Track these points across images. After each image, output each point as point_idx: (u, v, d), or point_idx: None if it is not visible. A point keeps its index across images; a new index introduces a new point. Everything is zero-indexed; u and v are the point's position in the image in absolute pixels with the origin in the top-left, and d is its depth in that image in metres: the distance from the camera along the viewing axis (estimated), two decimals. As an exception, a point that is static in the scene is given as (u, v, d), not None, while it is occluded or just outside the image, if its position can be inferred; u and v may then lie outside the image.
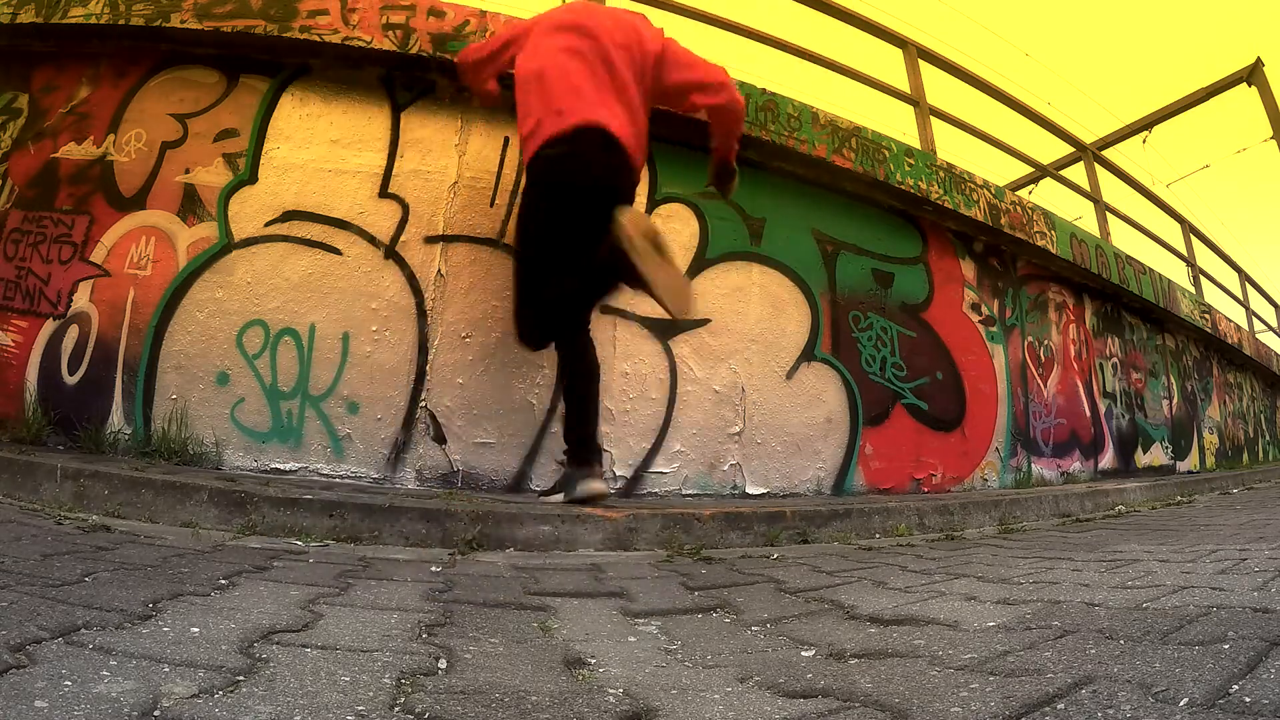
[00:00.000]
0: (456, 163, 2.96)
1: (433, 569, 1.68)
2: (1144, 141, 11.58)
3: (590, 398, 2.50)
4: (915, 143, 4.30)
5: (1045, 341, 4.80)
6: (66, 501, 1.96)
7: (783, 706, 0.85)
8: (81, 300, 2.74)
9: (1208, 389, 7.16)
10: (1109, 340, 5.53)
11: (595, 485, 2.39)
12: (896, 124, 4.92)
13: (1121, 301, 5.67)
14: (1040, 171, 7.24)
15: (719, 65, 2.62)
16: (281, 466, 2.65)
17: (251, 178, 2.83)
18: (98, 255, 2.77)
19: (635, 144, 2.46)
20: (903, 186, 3.74)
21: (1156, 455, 5.89)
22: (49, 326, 2.74)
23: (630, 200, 2.56)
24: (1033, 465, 4.44)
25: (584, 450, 2.45)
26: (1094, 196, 6.44)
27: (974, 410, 4.07)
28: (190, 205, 2.80)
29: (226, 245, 2.77)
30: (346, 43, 2.78)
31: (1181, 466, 6.26)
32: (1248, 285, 9.73)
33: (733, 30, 4.05)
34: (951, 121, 4.82)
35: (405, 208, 2.89)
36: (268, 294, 2.75)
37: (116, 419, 2.65)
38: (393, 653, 0.99)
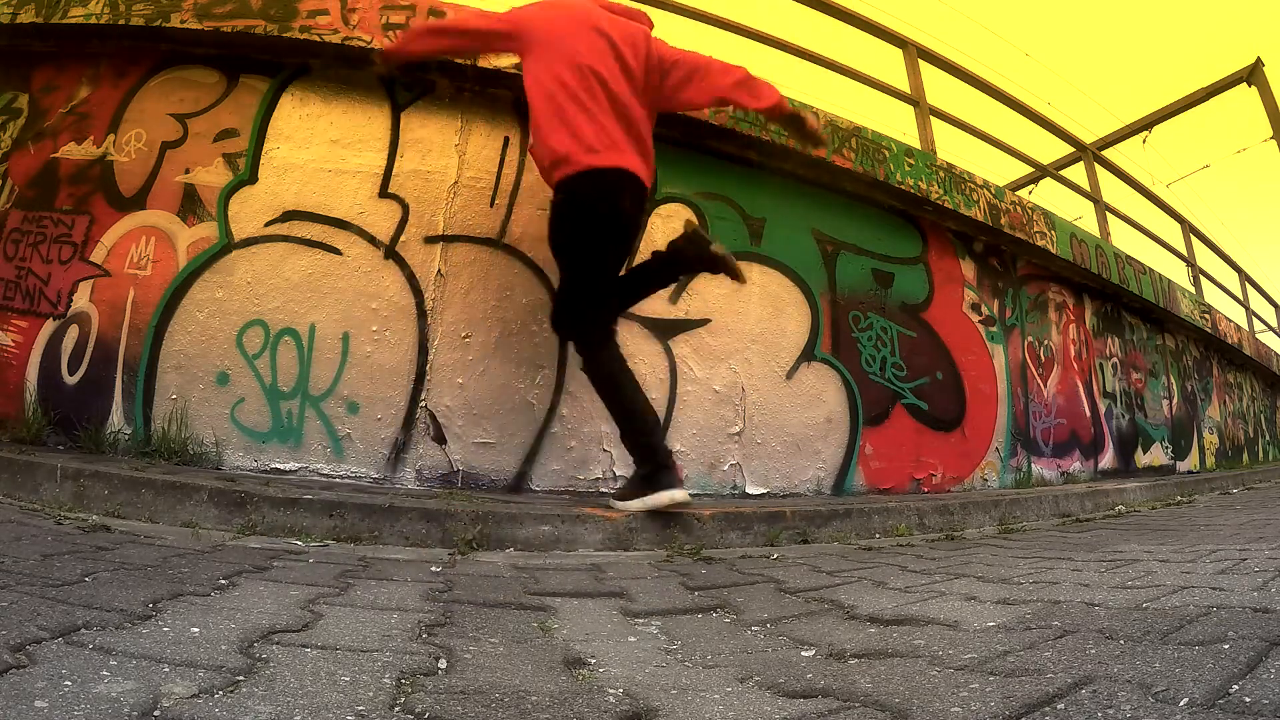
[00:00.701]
0: (456, 163, 2.96)
1: (433, 569, 1.68)
2: (1144, 141, 11.60)
3: (628, 400, 2.40)
4: (915, 143, 4.30)
5: (1045, 341, 4.80)
6: (66, 501, 1.97)
7: (783, 706, 0.85)
8: (81, 300, 2.75)
9: (1208, 389, 7.16)
10: (1109, 340, 5.53)
11: (664, 495, 2.23)
12: (896, 124, 4.93)
13: (1121, 301, 5.67)
14: (1040, 171, 7.24)
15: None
16: (281, 466, 2.65)
17: (251, 178, 2.83)
18: (98, 255, 2.77)
19: (649, 174, 2.50)
20: (903, 186, 3.74)
21: (1156, 455, 5.88)
22: (49, 326, 2.74)
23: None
24: (1033, 465, 4.44)
25: (646, 456, 2.35)
26: (1094, 196, 6.44)
27: (974, 410, 4.07)
28: (190, 205, 2.80)
29: (226, 245, 2.77)
30: (346, 43, 2.78)
31: (1181, 466, 6.26)
32: (1248, 285, 9.73)
33: (733, 30, 4.05)
34: (951, 121, 4.82)
35: (405, 208, 2.89)
36: (268, 294, 2.75)
37: (116, 419, 2.65)
38: (393, 653, 0.99)
